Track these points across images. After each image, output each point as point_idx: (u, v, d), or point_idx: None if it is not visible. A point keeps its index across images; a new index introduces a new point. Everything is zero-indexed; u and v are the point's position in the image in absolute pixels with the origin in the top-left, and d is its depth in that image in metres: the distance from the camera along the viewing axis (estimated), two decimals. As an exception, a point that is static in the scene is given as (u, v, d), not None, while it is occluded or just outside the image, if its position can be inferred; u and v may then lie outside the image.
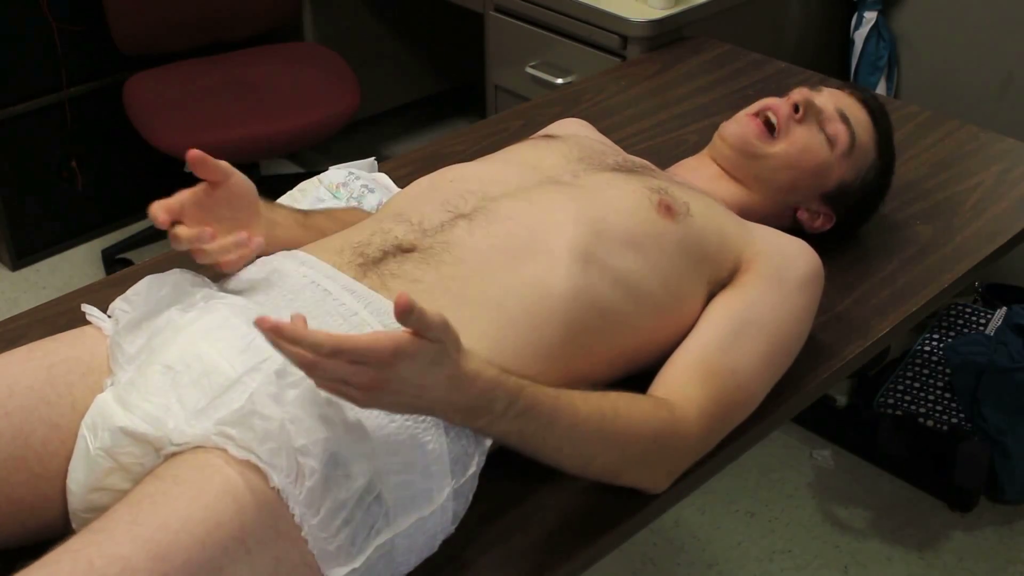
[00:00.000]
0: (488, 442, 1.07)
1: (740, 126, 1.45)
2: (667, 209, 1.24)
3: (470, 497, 1.06)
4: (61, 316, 1.34)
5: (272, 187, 1.54)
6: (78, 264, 3.00)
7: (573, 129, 1.51)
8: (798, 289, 1.26)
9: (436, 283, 1.12)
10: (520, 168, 1.30)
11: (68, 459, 1.05)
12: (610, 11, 2.15)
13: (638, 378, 1.19)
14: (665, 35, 2.15)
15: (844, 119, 1.43)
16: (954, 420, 2.27)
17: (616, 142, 1.52)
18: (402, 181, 1.54)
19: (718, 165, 1.47)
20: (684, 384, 1.15)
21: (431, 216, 1.20)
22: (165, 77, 2.79)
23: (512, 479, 1.12)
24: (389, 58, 3.33)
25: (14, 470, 1.05)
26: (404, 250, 1.16)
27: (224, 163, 1.14)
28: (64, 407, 1.07)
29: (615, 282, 1.17)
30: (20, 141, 2.84)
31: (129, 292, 1.16)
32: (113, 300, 1.16)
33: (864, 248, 1.54)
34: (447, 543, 1.05)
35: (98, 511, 0.95)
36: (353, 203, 1.54)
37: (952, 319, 2.48)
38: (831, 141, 1.42)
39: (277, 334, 0.87)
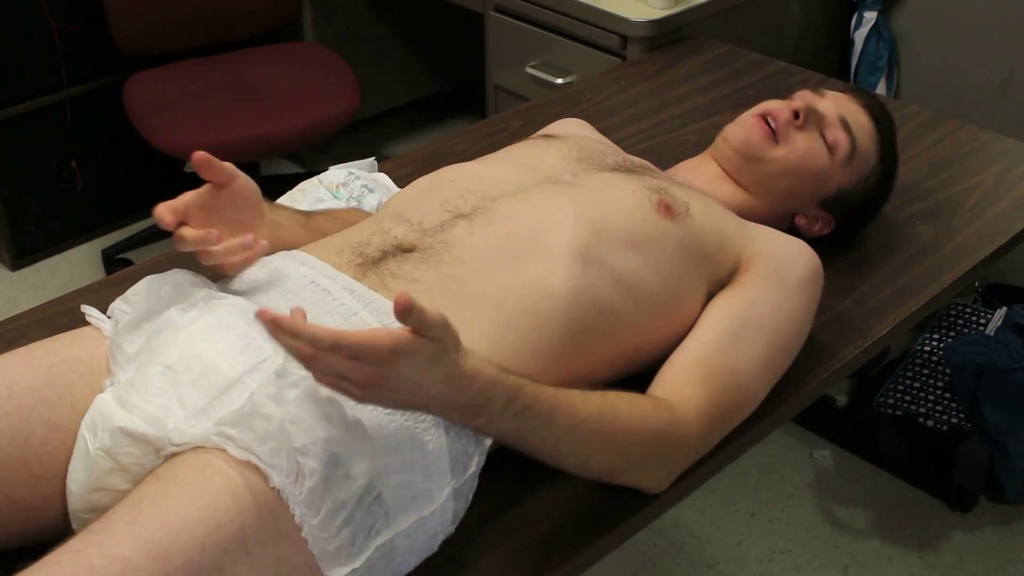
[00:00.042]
0: (488, 442, 1.07)
1: (744, 128, 1.45)
2: (667, 209, 1.24)
3: (470, 497, 1.06)
4: (61, 316, 1.34)
5: (272, 187, 1.54)
6: (78, 264, 3.00)
7: (572, 129, 1.51)
8: (798, 289, 1.26)
9: (436, 283, 1.12)
10: (520, 168, 1.30)
11: (68, 460, 1.05)
12: (610, 11, 2.15)
13: (638, 378, 1.19)
14: (665, 35, 2.15)
15: (846, 126, 1.43)
16: (954, 420, 2.27)
17: (616, 142, 1.51)
18: (402, 181, 1.54)
19: (719, 167, 1.47)
20: (683, 384, 1.15)
21: (431, 216, 1.20)
22: (165, 77, 2.79)
23: (512, 479, 1.12)
24: (389, 58, 3.33)
25: (14, 471, 1.04)
26: (404, 250, 1.16)
27: (229, 165, 1.14)
28: (64, 407, 1.07)
29: (615, 282, 1.17)
30: (20, 141, 2.84)
31: (129, 292, 1.15)
32: (113, 300, 1.16)
33: (864, 248, 1.54)
34: (447, 543, 1.05)
35: (98, 512, 0.95)
36: (353, 203, 1.54)
37: (952, 319, 2.48)
38: (831, 148, 1.42)
39: (276, 326, 0.88)
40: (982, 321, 2.45)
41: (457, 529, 1.05)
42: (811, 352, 1.31)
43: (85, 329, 1.15)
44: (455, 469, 1.03)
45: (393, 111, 3.44)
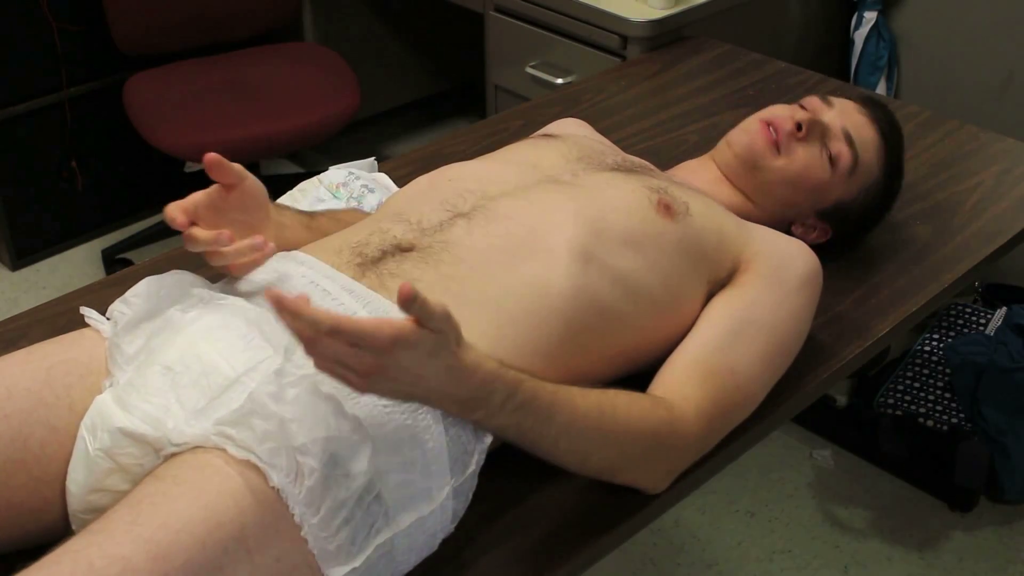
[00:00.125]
0: (488, 440, 1.07)
1: (748, 135, 1.44)
2: (666, 208, 1.24)
3: (470, 496, 1.06)
4: (61, 316, 1.34)
5: (272, 187, 1.53)
6: (78, 264, 3.00)
7: (572, 129, 1.51)
8: (797, 289, 1.26)
9: (435, 282, 1.12)
10: (519, 167, 1.30)
11: (67, 461, 1.05)
12: (610, 11, 2.15)
13: (638, 377, 1.19)
14: (665, 35, 2.15)
15: (849, 139, 1.41)
16: (954, 420, 2.27)
17: (616, 142, 1.51)
18: (402, 181, 1.54)
19: (719, 170, 1.46)
20: (683, 384, 1.15)
21: (430, 215, 1.20)
22: (165, 77, 2.79)
23: (512, 479, 1.12)
24: (389, 58, 3.33)
25: (13, 473, 1.04)
26: (403, 250, 1.16)
27: (239, 166, 1.14)
28: (62, 409, 1.07)
29: (614, 281, 1.17)
30: (20, 141, 2.84)
31: (128, 294, 1.15)
32: (113, 300, 1.16)
33: (864, 248, 1.54)
34: (447, 542, 1.05)
35: (98, 512, 0.95)
36: (353, 203, 1.54)
37: (952, 319, 2.48)
38: (833, 161, 1.41)
39: (280, 305, 0.88)
40: (982, 321, 2.45)
41: (457, 529, 1.05)
42: (811, 352, 1.31)
43: (84, 331, 1.15)
44: (455, 468, 1.03)
45: (393, 111, 3.44)
